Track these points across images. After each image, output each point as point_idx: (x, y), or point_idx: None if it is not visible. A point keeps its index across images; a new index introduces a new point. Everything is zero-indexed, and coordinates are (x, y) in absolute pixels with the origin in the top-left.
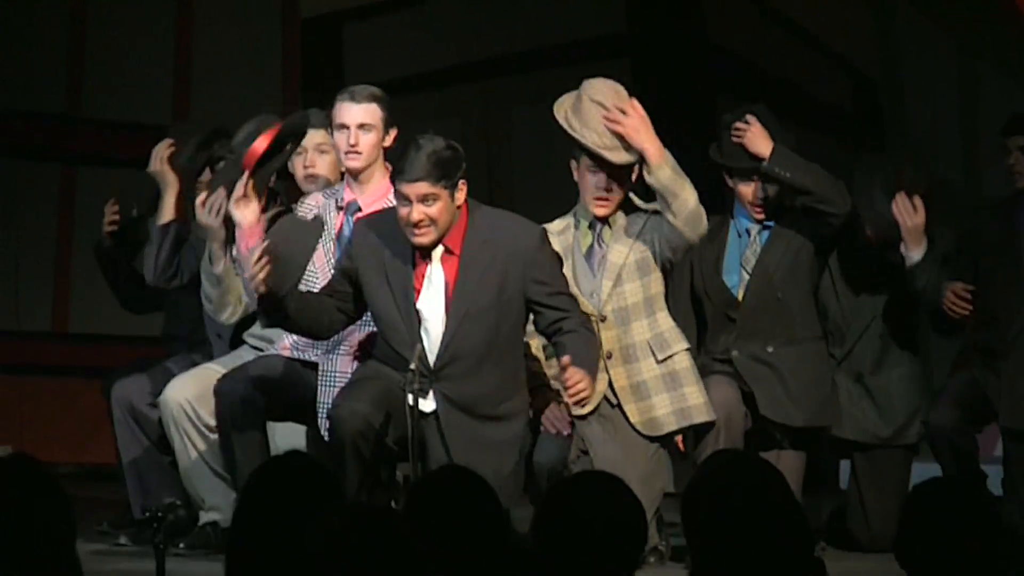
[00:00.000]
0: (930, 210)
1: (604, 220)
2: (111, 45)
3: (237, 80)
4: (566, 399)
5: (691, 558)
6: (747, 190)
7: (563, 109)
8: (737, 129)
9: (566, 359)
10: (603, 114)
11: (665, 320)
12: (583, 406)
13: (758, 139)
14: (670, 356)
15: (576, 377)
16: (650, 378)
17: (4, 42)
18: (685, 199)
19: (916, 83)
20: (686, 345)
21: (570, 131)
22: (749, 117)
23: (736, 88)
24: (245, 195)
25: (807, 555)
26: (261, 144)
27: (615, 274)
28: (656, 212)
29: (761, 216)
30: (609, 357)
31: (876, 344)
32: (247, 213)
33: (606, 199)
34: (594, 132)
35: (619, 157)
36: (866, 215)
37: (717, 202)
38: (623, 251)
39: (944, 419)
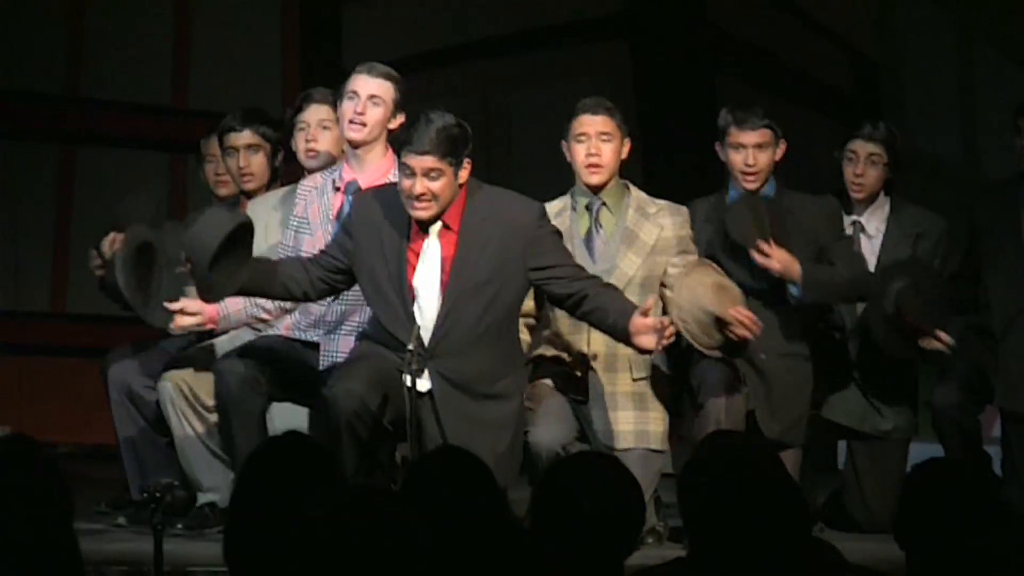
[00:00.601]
0: (937, 319)
1: (600, 196)
2: (110, 24)
3: (236, 59)
4: (655, 345)
5: (688, 539)
6: (737, 158)
7: (682, 318)
8: (759, 250)
9: (649, 302)
10: (731, 329)
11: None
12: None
13: (786, 269)
14: (645, 378)
15: (667, 319)
16: (622, 392)
17: (2, 22)
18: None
19: (915, 64)
20: (663, 371)
21: (689, 338)
22: (773, 252)
23: (735, 69)
24: (181, 311)
25: (804, 536)
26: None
27: (621, 285)
28: (664, 213)
29: (753, 185)
30: (594, 359)
31: (872, 346)
32: (191, 321)
33: (598, 165)
34: (707, 337)
35: (714, 354)
36: (877, 335)
37: (714, 180)
38: (635, 262)
39: (948, 399)
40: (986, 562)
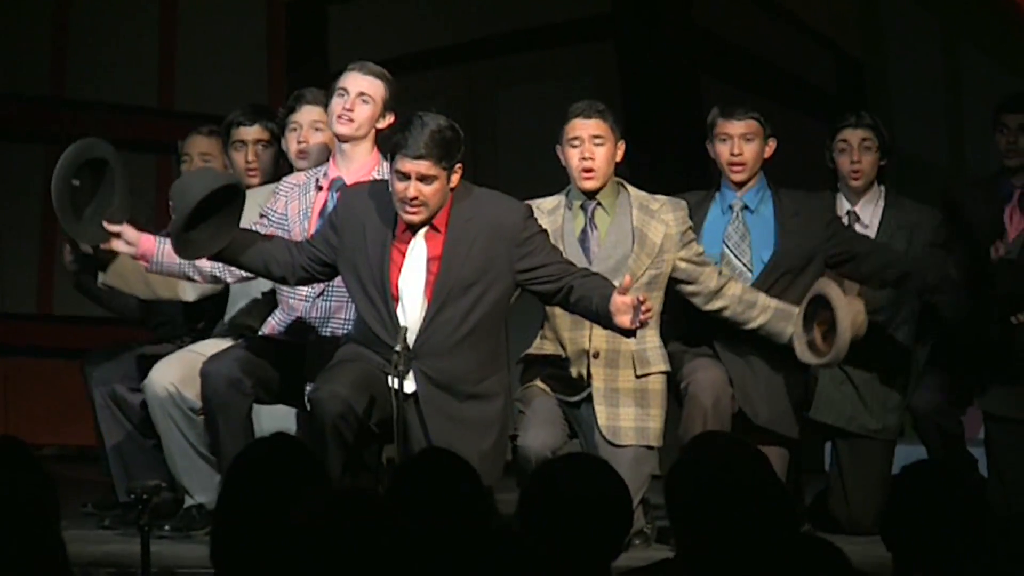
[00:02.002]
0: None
1: (595, 198)
2: (95, 26)
3: (222, 60)
4: (631, 323)
5: (675, 540)
6: (724, 148)
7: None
8: None
9: (627, 279)
10: None
11: (653, 338)
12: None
13: None
14: (647, 375)
15: (643, 295)
16: (624, 388)
17: None
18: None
19: (900, 63)
20: (664, 368)
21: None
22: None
23: (720, 70)
24: (118, 235)
25: (791, 536)
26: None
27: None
28: (667, 209)
29: (740, 177)
30: (596, 356)
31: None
32: (125, 249)
33: (591, 170)
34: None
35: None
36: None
37: (699, 181)
38: (645, 262)
39: (928, 402)
40: (972, 563)
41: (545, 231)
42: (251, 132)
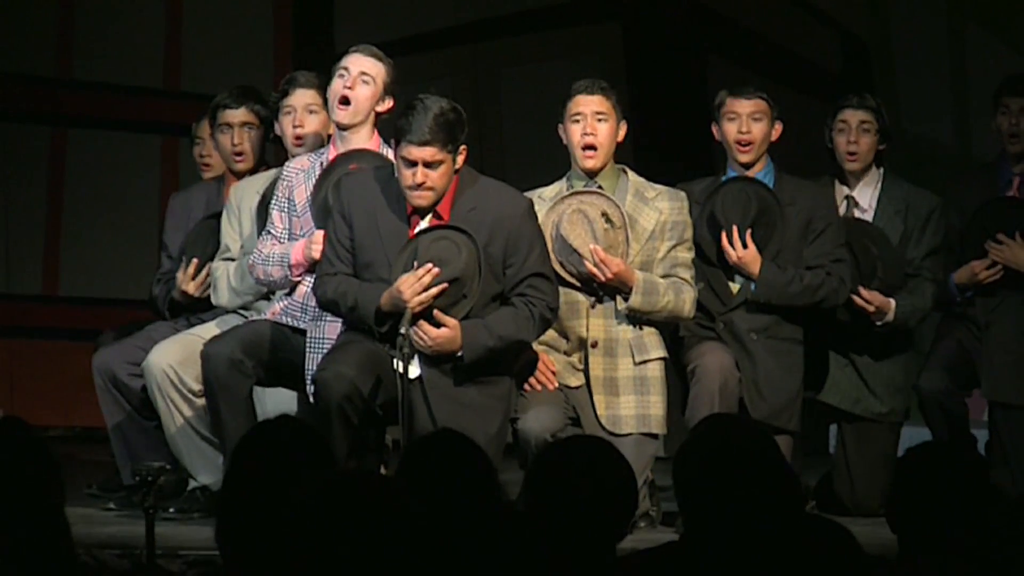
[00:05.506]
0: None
1: (596, 180)
2: (101, 7)
3: (228, 41)
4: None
5: (682, 521)
6: (731, 127)
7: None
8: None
9: (437, 314)
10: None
11: (650, 325)
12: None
13: (744, 265)
14: (645, 361)
15: (436, 331)
16: (623, 377)
17: None
18: (658, 313)
19: (906, 44)
20: (663, 355)
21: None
22: (737, 246)
23: (726, 50)
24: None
25: (798, 519)
26: None
27: None
28: (663, 197)
29: (747, 157)
30: (594, 346)
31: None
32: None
33: (593, 147)
34: (569, 265)
35: (572, 281)
36: None
37: (704, 162)
38: (634, 247)
39: (933, 384)
40: (976, 545)
41: (540, 234)
42: (237, 115)
